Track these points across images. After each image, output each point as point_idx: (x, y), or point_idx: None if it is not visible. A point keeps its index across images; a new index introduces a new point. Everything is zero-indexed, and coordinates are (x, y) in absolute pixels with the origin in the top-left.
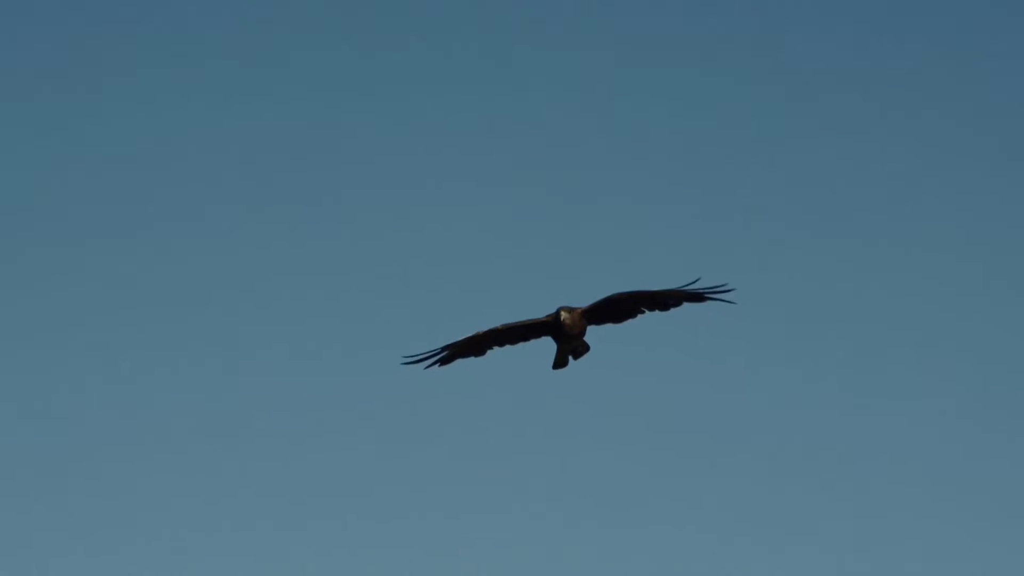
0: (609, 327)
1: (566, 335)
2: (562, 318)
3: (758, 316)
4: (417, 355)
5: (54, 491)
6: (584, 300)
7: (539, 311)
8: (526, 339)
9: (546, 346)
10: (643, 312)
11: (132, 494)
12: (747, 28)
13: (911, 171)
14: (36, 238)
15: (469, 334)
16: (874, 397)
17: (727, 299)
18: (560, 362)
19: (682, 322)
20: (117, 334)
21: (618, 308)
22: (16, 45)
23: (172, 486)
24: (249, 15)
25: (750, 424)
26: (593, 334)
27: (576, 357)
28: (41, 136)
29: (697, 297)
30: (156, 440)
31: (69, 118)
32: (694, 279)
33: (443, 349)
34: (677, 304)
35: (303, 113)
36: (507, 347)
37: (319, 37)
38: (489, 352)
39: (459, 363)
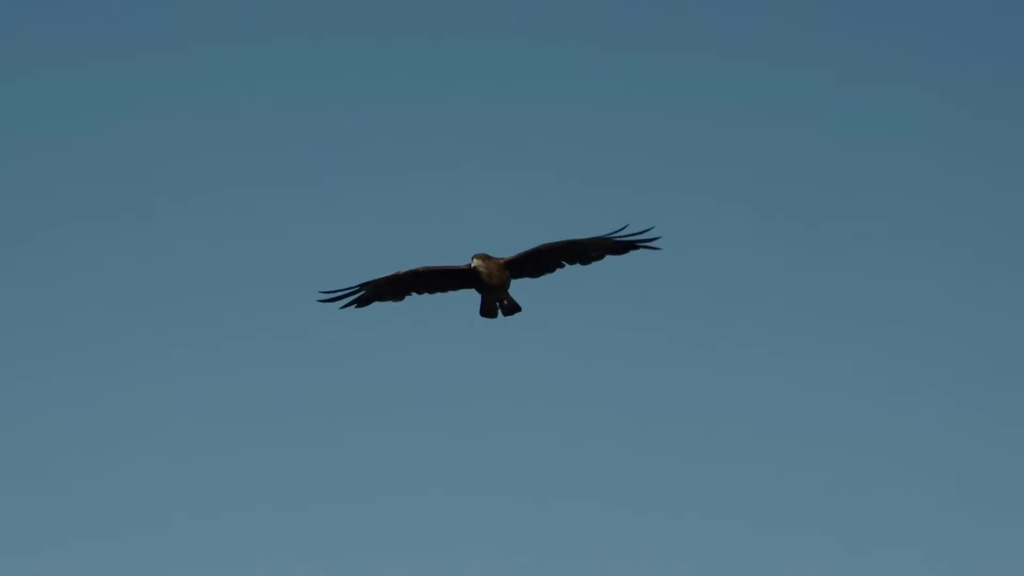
0: (526, 281)
1: (486, 285)
2: (474, 265)
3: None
4: (334, 292)
5: None
6: (508, 251)
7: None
8: (448, 288)
9: (469, 301)
10: (563, 266)
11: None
12: None
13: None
14: None
15: (389, 273)
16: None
17: (653, 245)
18: (487, 311)
19: (606, 278)
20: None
21: (539, 261)
22: None
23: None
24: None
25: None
26: (523, 294)
27: (506, 313)
28: None
29: (621, 247)
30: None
31: None
32: (621, 227)
33: (361, 287)
34: (599, 257)
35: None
36: (426, 295)
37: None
38: (408, 299)
39: (377, 308)
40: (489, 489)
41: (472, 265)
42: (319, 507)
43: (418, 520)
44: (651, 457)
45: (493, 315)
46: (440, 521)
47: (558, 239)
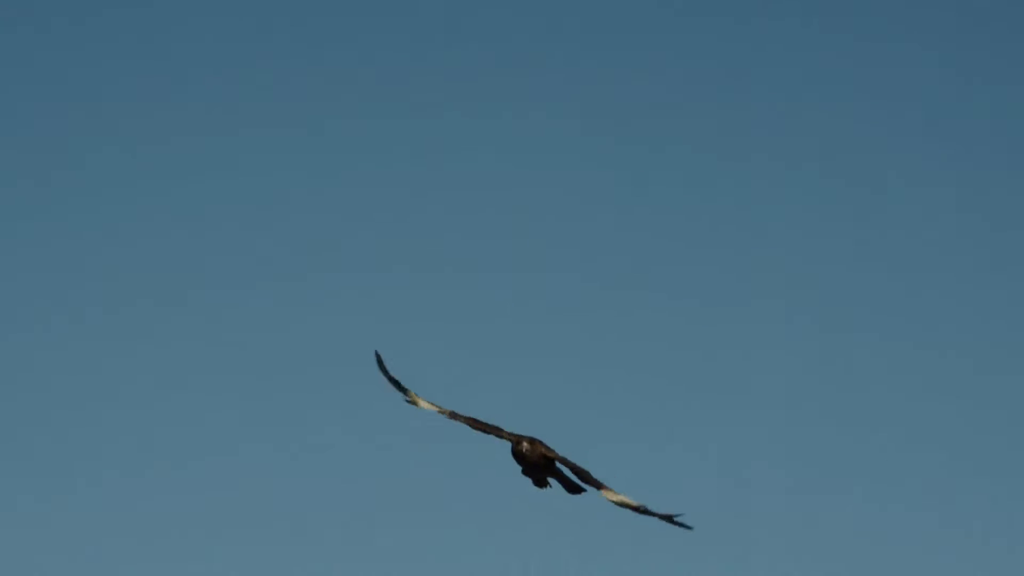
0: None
1: (524, 463)
2: (520, 447)
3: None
4: (388, 372)
5: None
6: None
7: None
8: (486, 433)
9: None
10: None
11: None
12: None
13: None
14: None
15: (436, 407)
16: None
17: (685, 523)
18: (538, 481)
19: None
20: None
21: (579, 475)
22: None
23: None
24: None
25: None
26: None
27: (571, 492)
28: None
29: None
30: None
31: None
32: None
33: (404, 389)
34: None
35: None
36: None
37: None
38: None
39: None
40: None
41: (517, 446)
42: None
43: None
44: None
45: (543, 486)
46: None
47: (602, 479)
